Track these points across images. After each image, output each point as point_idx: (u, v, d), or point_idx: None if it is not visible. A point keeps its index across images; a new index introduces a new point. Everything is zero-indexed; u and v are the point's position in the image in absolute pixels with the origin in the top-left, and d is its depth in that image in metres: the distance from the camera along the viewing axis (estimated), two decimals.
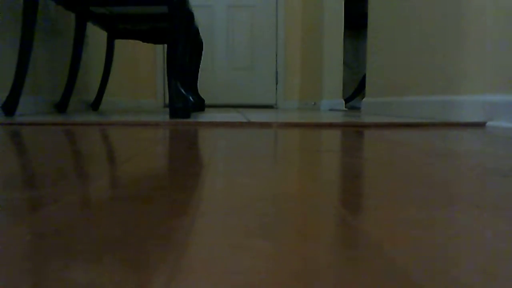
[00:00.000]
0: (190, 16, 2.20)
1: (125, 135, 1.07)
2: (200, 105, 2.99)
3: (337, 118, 1.87)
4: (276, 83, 4.76)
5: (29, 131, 1.16)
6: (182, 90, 1.79)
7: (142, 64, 4.58)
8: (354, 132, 1.16)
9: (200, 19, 4.69)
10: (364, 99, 2.83)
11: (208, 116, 2.00)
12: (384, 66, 2.50)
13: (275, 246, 0.25)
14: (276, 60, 4.75)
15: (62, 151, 0.73)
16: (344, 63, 4.78)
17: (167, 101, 4.61)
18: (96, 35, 3.22)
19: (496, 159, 0.65)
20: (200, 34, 4.62)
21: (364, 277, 0.21)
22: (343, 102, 3.77)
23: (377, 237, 0.27)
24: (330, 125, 1.40)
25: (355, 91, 4.62)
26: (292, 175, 0.50)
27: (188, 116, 1.77)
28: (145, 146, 0.82)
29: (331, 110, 3.59)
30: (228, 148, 0.78)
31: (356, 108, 4.12)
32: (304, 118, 1.79)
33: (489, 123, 1.45)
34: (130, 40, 4.32)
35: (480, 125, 1.42)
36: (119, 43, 3.99)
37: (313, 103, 4.09)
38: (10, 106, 1.84)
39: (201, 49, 3.23)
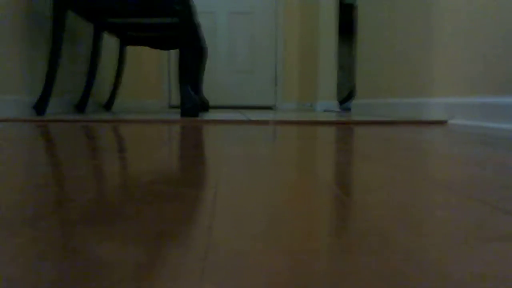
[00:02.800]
0: (197, 26, 2.47)
1: (150, 130, 1.34)
2: (205, 106, 3.26)
3: (329, 117, 2.14)
4: (275, 85, 5.03)
5: (59, 127, 1.44)
6: (192, 93, 2.06)
7: (147, 66, 4.85)
8: (341, 128, 1.44)
9: (203, 24, 4.97)
10: (354, 101, 3.10)
11: (213, 115, 2.27)
12: (371, 71, 2.77)
13: (278, 197, 0.52)
14: (275, 64, 5.02)
15: (121, 139, 1.00)
16: (338, 66, 5.06)
17: (171, 102, 4.89)
18: (109, 42, 3.50)
19: (436, 145, 0.92)
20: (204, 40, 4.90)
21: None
22: (338, 103, 4.04)
23: (346, 185, 0.54)
24: (322, 123, 1.67)
25: (349, 93, 4.89)
26: (288, 153, 0.77)
27: (197, 115, 2.04)
28: (172, 136, 1.09)
29: (325, 111, 3.87)
30: (233, 137, 1.06)
31: (350, 109, 4.39)
32: (299, 117, 2.06)
33: (450, 121, 1.73)
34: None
35: (443, 122, 1.69)
36: (127, 48, 4.26)
37: (309, 104, 4.36)
38: (41, 107, 2.11)
39: (206, 54, 3.51)
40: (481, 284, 0.21)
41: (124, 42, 3.24)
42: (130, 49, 4.67)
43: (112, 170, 0.54)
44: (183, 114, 2.04)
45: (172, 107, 4.91)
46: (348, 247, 0.26)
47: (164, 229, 0.29)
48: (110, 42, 3.53)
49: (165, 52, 4.88)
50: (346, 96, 4.91)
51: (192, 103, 2.04)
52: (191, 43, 2.10)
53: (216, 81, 5.01)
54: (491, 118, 1.50)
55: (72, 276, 0.21)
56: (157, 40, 3.19)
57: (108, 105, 3.28)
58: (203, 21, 4.96)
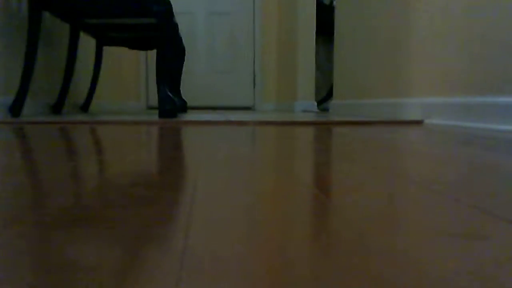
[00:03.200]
0: (175, 27, 2.46)
1: (129, 131, 1.33)
2: (183, 107, 3.25)
3: (307, 117, 2.15)
4: (254, 86, 5.04)
5: (36, 129, 1.42)
6: (170, 94, 2.05)
7: (124, 67, 4.81)
8: (319, 128, 1.45)
9: (182, 25, 4.95)
10: (332, 101, 3.12)
11: (191, 116, 2.27)
12: (348, 72, 2.79)
13: (257, 181, 0.52)
14: (254, 64, 5.03)
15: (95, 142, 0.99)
16: (316, 67, 5.08)
17: (149, 103, 4.86)
18: (85, 42, 3.46)
19: (412, 145, 0.93)
20: (183, 40, 4.88)
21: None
22: (316, 104, 4.06)
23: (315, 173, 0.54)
24: (300, 123, 1.68)
25: (327, 93, 4.92)
26: (267, 154, 0.78)
27: (175, 116, 2.03)
28: (150, 137, 1.08)
29: (304, 111, 3.88)
30: (211, 137, 1.06)
31: (328, 110, 4.42)
32: (278, 118, 2.06)
33: (426, 121, 1.75)
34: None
35: (419, 122, 1.71)
36: (104, 49, 4.22)
37: (288, 104, 4.38)
38: (17, 108, 2.08)
39: (184, 55, 3.49)
40: (457, 280, 0.21)
41: (101, 42, 3.21)
42: (107, 50, 4.63)
43: (90, 173, 0.54)
44: (161, 115, 2.03)
45: (150, 108, 4.88)
46: (326, 248, 0.26)
47: (141, 232, 0.29)
48: (86, 43, 3.49)
49: (142, 53, 4.85)
50: (324, 97, 4.94)
51: (171, 104, 2.03)
52: (169, 44, 2.09)
53: (194, 81, 4.99)
54: (467, 118, 1.52)
55: (49, 281, 0.21)
56: (135, 40, 3.17)
57: (85, 106, 3.24)
58: (182, 21, 4.94)
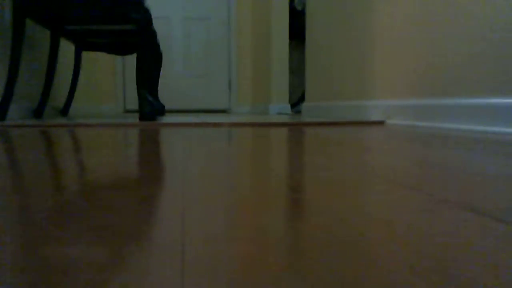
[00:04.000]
0: (154, 34, 2.57)
1: (112, 133, 1.44)
2: (161, 110, 3.35)
3: (281, 119, 2.28)
4: (230, 89, 5.16)
5: (22, 132, 1.52)
6: (150, 97, 2.17)
7: (102, 72, 4.89)
8: (291, 129, 1.58)
9: (159, 29, 5.04)
10: (304, 104, 3.26)
11: (170, 119, 2.38)
12: (319, 75, 2.94)
13: (234, 170, 0.65)
14: (229, 68, 5.15)
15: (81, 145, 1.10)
16: (290, 71, 5.23)
17: (127, 106, 4.94)
18: (65, 47, 3.54)
19: (372, 142, 1.07)
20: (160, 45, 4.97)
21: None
22: (289, 106, 4.21)
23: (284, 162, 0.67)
24: (274, 125, 1.81)
25: (300, 96, 5.07)
26: (241, 151, 0.90)
27: (154, 119, 2.14)
28: (134, 138, 1.20)
29: (278, 113, 4.02)
30: (191, 137, 1.18)
31: (301, 112, 4.57)
32: (253, 120, 2.19)
33: (387, 121, 1.90)
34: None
35: (381, 123, 1.86)
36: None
37: (262, 107, 4.51)
38: (2, 112, 2.16)
39: (161, 60, 3.60)
40: (400, 233, 0.34)
41: (81, 47, 3.30)
42: (85, 54, 4.71)
43: (74, 173, 0.58)
44: (142, 118, 2.14)
45: (127, 111, 4.96)
46: (298, 243, 0.29)
47: (122, 233, 0.30)
48: (66, 48, 3.57)
49: (119, 57, 4.93)
50: (298, 99, 5.09)
51: (151, 107, 2.14)
52: (148, 49, 2.20)
53: (171, 85, 5.09)
54: (423, 118, 1.68)
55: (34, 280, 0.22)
56: (113, 46, 3.26)
57: (64, 110, 3.32)
58: (158, 26, 5.04)
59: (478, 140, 1.04)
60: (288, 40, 4.25)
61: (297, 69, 5.29)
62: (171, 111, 5.05)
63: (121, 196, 0.41)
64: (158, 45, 3.21)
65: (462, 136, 1.17)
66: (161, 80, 5.07)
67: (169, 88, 5.09)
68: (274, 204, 0.38)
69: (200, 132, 1.41)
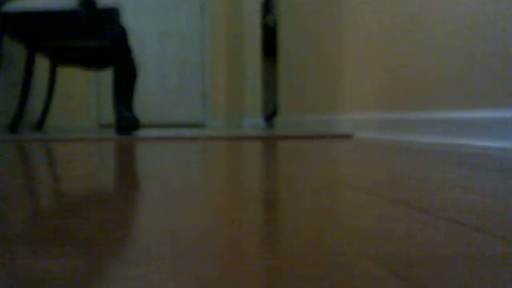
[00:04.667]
0: (130, 49, 2.63)
1: (90, 147, 1.49)
2: (136, 124, 3.39)
3: (254, 133, 2.36)
4: (204, 104, 5.23)
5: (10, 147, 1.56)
6: (126, 112, 2.22)
7: (75, 86, 4.90)
8: (264, 142, 1.65)
9: (133, 45, 5.09)
10: (277, 118, 3.35)
11: (145, 133, 2.43)
12: (291, 90, 3.03)
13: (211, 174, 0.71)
14: (203, 83, 5.22)
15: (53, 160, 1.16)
16: (264, 85, 5.33)
17: (101, 121, 4.96)
18: (39, 62, 3.56)
19: (340, 154, 1.15)
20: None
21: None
22: (263, 119, 4.29)
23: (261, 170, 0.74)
24: (247, 138, 1.88)
25: (274, 110, 5.17)
26: (216, 163, 0.97)
27: (131, 133, 2.19)
28: (111, 151, 1.26)
29: (252, 127, 4.10)
30: (167, 151, 1.24)
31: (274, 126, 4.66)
32: (227, 133, 2.26)
33: (355, 134, 2.00)
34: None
35: (349, 136, 1.95)
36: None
37: (237, 121, 4.59)
38: None
39: (137, 75, 3.64)
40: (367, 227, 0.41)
41: (56, 62, 3.33)
42: (59, 70, 4.72)
43: (52, 188, 0.70)
44: (119, 132, 2.19)
45: (102, 126, 4.98)
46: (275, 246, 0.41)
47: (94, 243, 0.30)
48: (41, 63, 3.60)
49: (93, 72, 4.96)
50: (271, 113, 5.18)
51: (127, 121, 2.19)
52: (125, 65, 2.26)
53: (145, 100, 5.13)
54: (389, 131, 1.77)
55: None
56: (89, 60, 3.30)
57: (39, 125, 3.34)
58: (133, 41, 5.08)
59: (439, 152, 1.13)
60: (260, 55, 4.35)
61: (270, 84, 5.40)
62: (146, 126, 5.08)
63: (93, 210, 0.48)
64: (134, 60, 3.26)
65: (423, 149, 1.26)
66: (136, 95, 5.11)
67: (143, 102, 5.12)
68: (248, 205, 0.45)
69: (176, 146, 1.47)
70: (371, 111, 1.93)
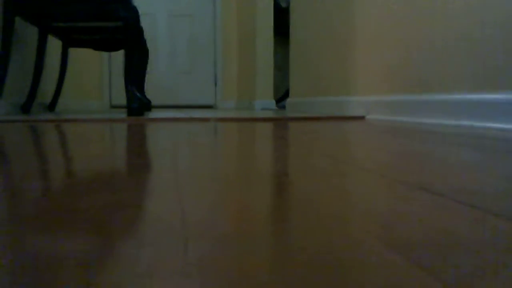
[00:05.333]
0: (141, 31, 2.62)
1: (102, 127, 1.50)
2: (148, 106, 3.40)
3: (265, 114, 2.35)
4: (215, 85, 5.22)
5: (11, 127, 1.57)
6: (138, 93, 2.22)
7: (88, 67, 4.91)
8: (276, 123, 1.65)
9: (144, 26, 5.08)
10: (288, 99, 3.34)
11: (156, 114, 2.44)
12: (303, 71, 3.02)
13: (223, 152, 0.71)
14: (215, 64, 5.21)
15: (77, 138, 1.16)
16: (275, 66, 5.31)
17: (113, 102, 4.97)
18: (51, 44, 3.57)
19: (353, 135, 1.14)
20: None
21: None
22: (274, 102, 4.28)
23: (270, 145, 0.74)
24: (259, 119, 1.88)
25: (285, 92, 5.15)
26: (229, 144, 0.97)
27: (142, 114, 2.20)
28: (123, 133, 1.26)
29: (263, 109, 4.09)
30: (178, 131, 1.24)
31: (285, 108, 4.65)
32: (238, 115, 2.26)
33: (367, 116, 1.98)
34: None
35: (361, 118, 1.94)
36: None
37: (248, 103, 4.58)
38: None
39: (148, 56, 3.65)
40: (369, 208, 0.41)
41: (68, 44, 3.33)
42: (72, 51, 4.73)
43: (65, 167, 0.71)
44: (130, 113, 2.19)
45: (113, 107, 5.00)
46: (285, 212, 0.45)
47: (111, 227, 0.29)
48: (53, 44, 3.60)
49: (105, 53, 4.96)
50: (282, 95, 5.16)
51: (138, 103, 2.19)
52: (136, 46, 2.26)
53: (157, 81, 5.13)
54: (402, 113, 1.76)
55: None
56: (101, 42, 3.30)
57: (51, 106, 3.36)
58: (143, 22, 5.07)
59: (455, 134, 1.12)
60: (272, 37, 4.32)
61: (282, 65, 5.36)
62: (157, 107, 5.09)
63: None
64: (145, 42, 3.26)
65: (439, 131, 1.25)
66: (147, 77, 5.11)
67: (154, 84, 5.13)
68: (259, 188, 0.45)
69: (188, 126, 1.47)
70: (384, 93, 1.92)
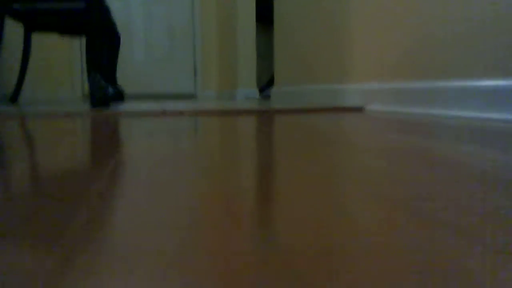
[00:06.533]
0: (107, 11, 2.32)
1: (59, 123, 1.22)
2: (119, 96, 3.11)
3: (249, 105, 2.08)
4: (195, 74, 4.93)
5: None
6: (103, 81, 1.93)
7: (57, 55, 4.58)
8: (261, 117, 1.38)
9: (118, 12, 4.75)
10: (273, 89, 3.07)
11: (127, 106, 2.15)
12: (289, 58, 2.75)
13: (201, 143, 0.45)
14: (194, 52, 4.91)
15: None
16: (257, 54, 5.03)
17: (85, 91, 4.66)
18: (11, 29, 3.24)
19: (351, 134, 0.88)
20: (118, 27, 4.69)
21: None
22: (257, 91, 4.01)
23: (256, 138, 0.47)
24: (241, 112, 1.61)
25: (268, 81, 4.88)
26: (208, 144, 0.70)
27: (108, 106, 1.91)
28: (71, 134, 0.99)
29: (246, 98, 3.82)
30: (144, 129, 0.97)
31: (269, 97, 4.38)
32: (219, 106, 1.99)
33: (367, 107, 1.72)
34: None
35: (359, 109, 1.68)
36: (34, 36, 3.99)
37: (229, 92, 4.30)
38: None
39: (119, 41, 3.34)
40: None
41: (29, 28, 3.01)
42: (37, 38, 4.39)
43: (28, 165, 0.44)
44: (93, 105, 1.91)
45: (86, 96, 4.68)
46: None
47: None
48: (13, 30, 3.27)
49: (76, 41, 4.64)
50: (266, 84, 4.89)
51: (103, 93, 1.91)
52: (99, 28, 1.96)
53: (133, 70, 4.82)
54: (407, 104, 1.50)
55: None
56: (65, 26, 2.99)
57: (14, 97, 3.04)
58: (117, 8, 4.74)
59: (468, 128, 0.87)
60: (255, 22, 4.03)
61: (264, 53, 5.10)
62: (134, 97, 4.79)
63: None
64: (114, 24, 2.95)
65: (452, 124, 1.00)
66: (122, 65, 4.79)
67: (131, 73, 4.82)
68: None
69: (155, 123, 1.20)
70: (385, 80, 1.66)
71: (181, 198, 0.34)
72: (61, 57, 4.58)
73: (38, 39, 4.38)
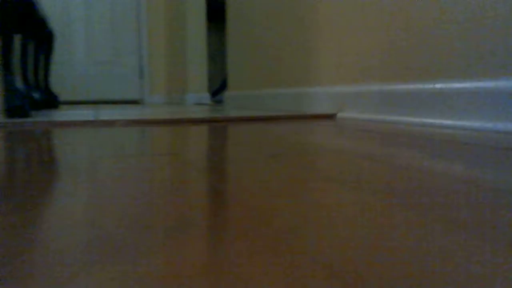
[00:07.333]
0: (28, 4, 1.98)
1: None
2: (51, 102, 2.74)
3: (200, 113, 1.79)
4: (141, 78, 4.59)
5: None
6: (20, 87, 1.60)
7: None
8: (215, 128, 1.09)
9: (55, 9, 4.35)
10: (226, 93, 2.79)
11: (55, 114, 1.82)
12: (244, 60, 2.47)
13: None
14: (140, 54, 4.57)
15: None
16: (209, 56, 4.74)
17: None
18: None
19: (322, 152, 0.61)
20: (53, 24, 4.29)
21: None
22: (209, 95, 3.72)
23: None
24: (190, 121, 1.32)
25: (221, 84, 4.60)
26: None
27: (26, 115, 1.58)
28: None
29: (197, 104, 3.52)
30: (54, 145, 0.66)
31: (222, 102, 4.09)
32: (164, 114, 1.69)
33: (339, 114, 1.46)
34: None
35: (330, 116, 1.42)
36: None
37: (179, 97, 3.99)
38: None
39: (51, 41, 2.97)
40: None
41: None
42: None
43: None
44: (8, 115, 1.57)
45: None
46: None
47: None
48: None
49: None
50: (218, 88, 4.61)
51: (20, 100, 1.57)
52: (18, 24, 1.63)
53: (72, 73, 4.43)
54: (386, 111, 1.25)
55: None
56: None
57: None
58: (55, 5, 4.34)
59: (461, 142, 0.61)
60: (205, 22, 3.75)
61: (216, 55, 4.81)
62: (71, 103, 4.39)
63: None
64: (43, 18, 2.59)
65: (440, 137, 0.74)
66: (59, 68, 4.39)
67: (70, 76, 4.42)
68: None
69: (79, 134, 0.89)
70: (361, 83, 1.40)
71: None
72: None
73: None
